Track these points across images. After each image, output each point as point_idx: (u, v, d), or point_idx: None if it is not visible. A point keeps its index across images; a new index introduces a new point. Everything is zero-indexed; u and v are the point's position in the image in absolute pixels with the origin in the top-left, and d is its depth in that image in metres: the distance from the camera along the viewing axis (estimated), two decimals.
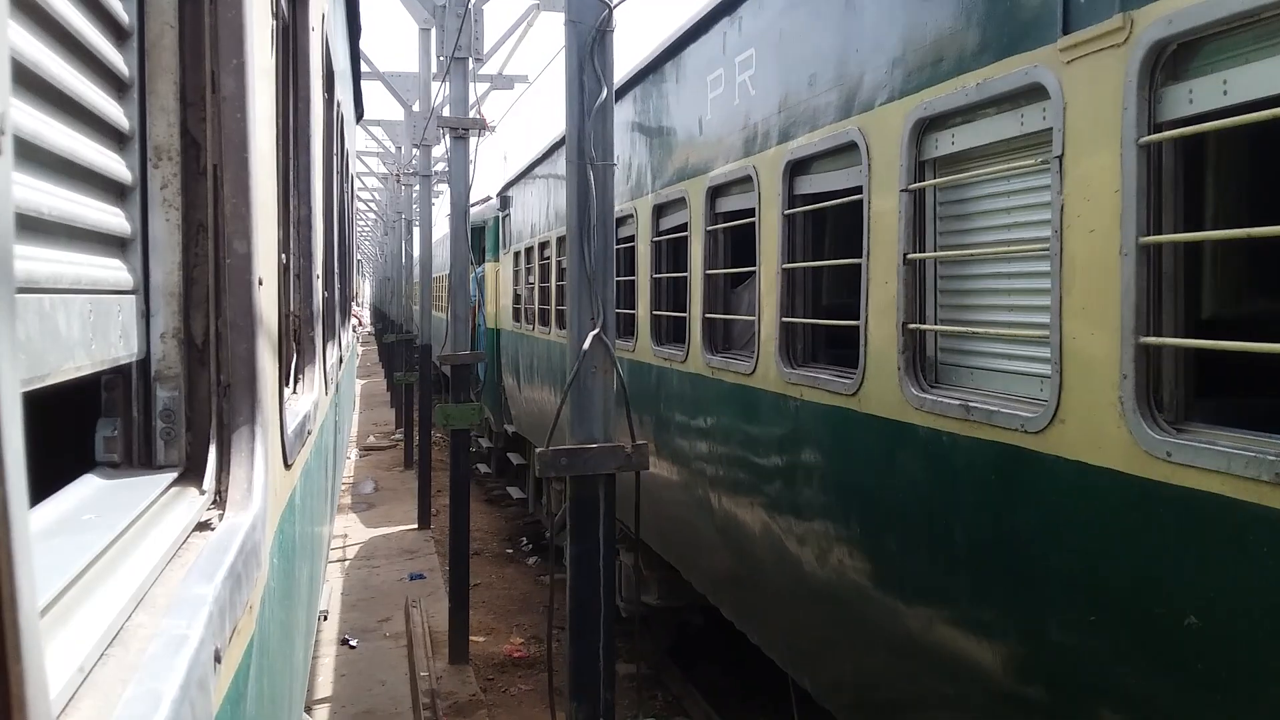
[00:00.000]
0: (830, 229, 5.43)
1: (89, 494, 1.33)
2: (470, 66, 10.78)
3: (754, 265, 5.41)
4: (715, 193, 5.97)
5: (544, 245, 11.76)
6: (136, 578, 1.14)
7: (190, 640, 1.06)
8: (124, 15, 1.39)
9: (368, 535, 15.22)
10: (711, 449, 6.18)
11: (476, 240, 17.40)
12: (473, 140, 10.34)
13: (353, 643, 10.28)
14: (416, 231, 24.85)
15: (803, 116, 4.79)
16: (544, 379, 11.76)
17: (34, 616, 0.59)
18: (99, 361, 1.26)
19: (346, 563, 13.76)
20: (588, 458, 4.44)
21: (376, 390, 36.79)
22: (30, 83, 1.00)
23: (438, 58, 10.98)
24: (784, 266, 4.95)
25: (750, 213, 5.35)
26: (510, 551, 14.31)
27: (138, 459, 1.51)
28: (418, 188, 20.67)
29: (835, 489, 4.58)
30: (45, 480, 1.24)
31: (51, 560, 1.03)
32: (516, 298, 14.13)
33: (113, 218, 1.37)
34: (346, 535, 15.07)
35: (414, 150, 19.09)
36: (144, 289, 1.49)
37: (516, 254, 14.13)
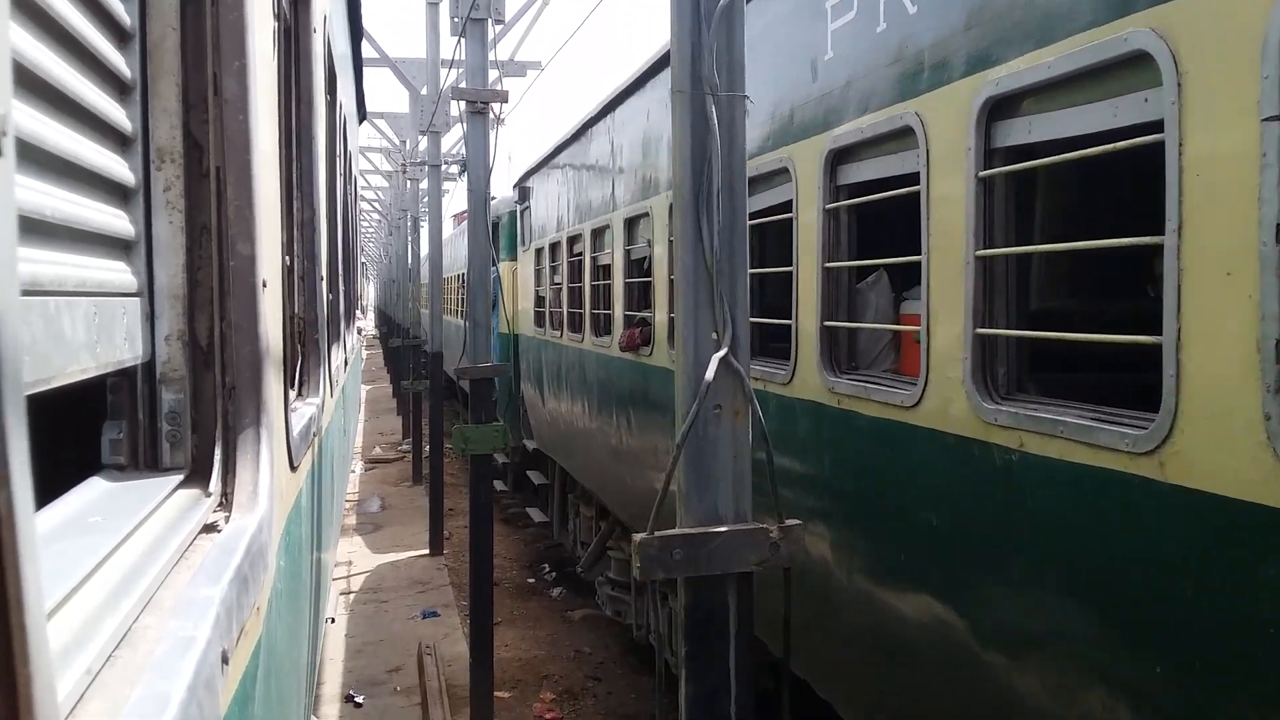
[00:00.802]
0: (1055, 200, 4.52)
1: (95, 496, 1.33)
2: (491, 31, 8.64)
3: (897, 254, 4.16)
4: (838, 158, 4.50)
5: (574, 240, 10.17)
6: (143, 580, 1.14)
7: (198, 642, 1.06)
8: (126, 17, 1.39)
9: (375, 562, 13.82)
10: (880, 525, 4.25)
11: (490, 238, 16.76)
12: (494, 116, 8.29)
13: (359, 699, 9.04)
14: (424, 229, 23.51)
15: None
16: (573, 392, 10.34)
17: (41, 618, 0.59)
18: (104, 364, 1.26)
19: (352, 596, 12.31)
20: (713, 549, 3.00)
21: (381, 397, 34.53)
22: (32, 84, 1.00)
23: (452, 18, 9.04)
24: (978, 254, 3.39)
25: (906, 181, 3.93)
26: (532, 581, 12.88)
27: (144, 461, 1.51)
28: (425, 182, 19.19)
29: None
30: (52, 483, 1.24)
31: (58, 562, 1.03)
32: (539, 300, 12.43)
33: (116, 220, 1.37)
34: (351, 562, 13.68)
35: (421, 140, 17.66)
36: (148, 291, 1.50)
37: (539, 251, 12.47)
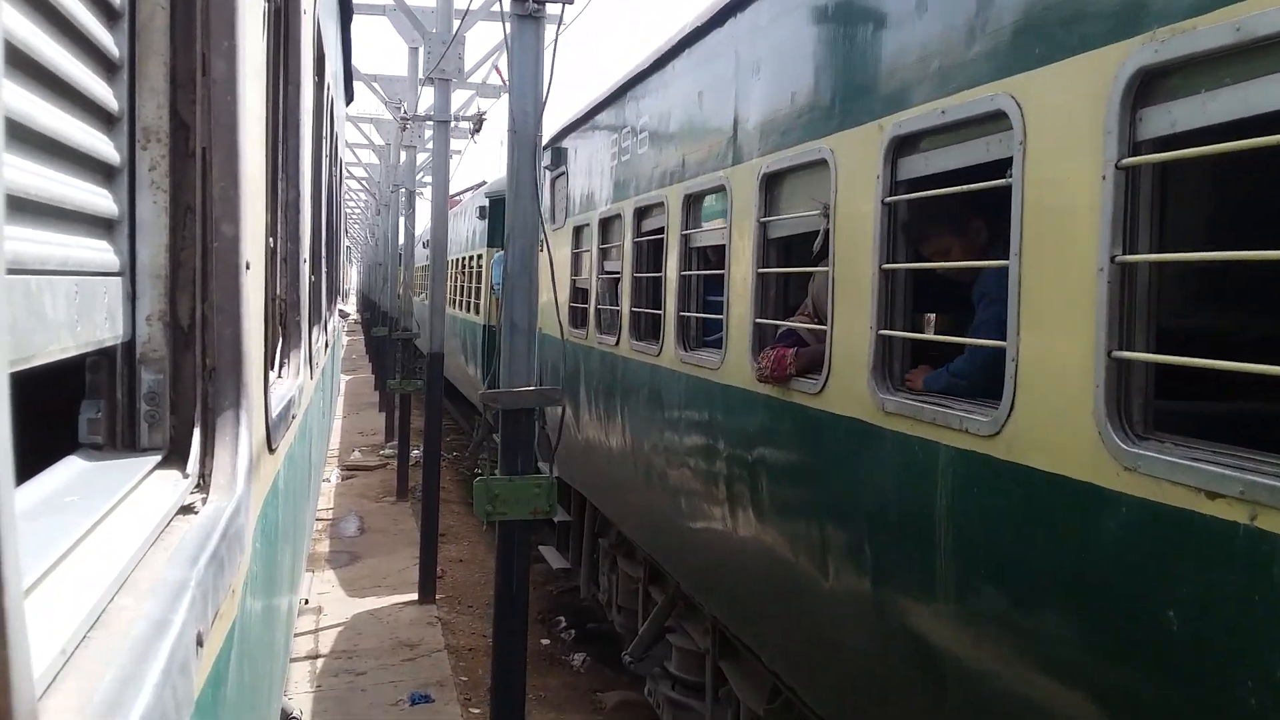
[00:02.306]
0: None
1: (72, 475, 1.33)
2: None
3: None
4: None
5: (645, 212, 7.22)
6: (119, 560, 1.14)
7: (173, 624, 1.06)
8: None
9: (350, 611, 10.77)
10: None
11: (498, 216, 13.44)
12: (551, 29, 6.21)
13: None
14: (421, 204, 21.02)
15: None
16: (630, 419, 7.42)
17: (18, 598, 0.59)
18: (84, 343, 1.26)
19: (319, 664, 9.25)
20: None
21: (362, 390, 30.21)
22: (19, 62, 0.99)
23: None
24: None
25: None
26: (546, 643, 9.96)
27: (121, 441, 1.50)
28: (427, 148, 16.52)
29: None
30: (28, 461, 1.24)
31: (34, 541, 1.03)
32: (577, 294, 9.56)
33: (100, 199, 1.36)
34: (321, 610, 10.69)
35: (420, 98, 15.31)
36: (130, 271, 1.49)
37: (579, 230, 9.48)
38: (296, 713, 7.84)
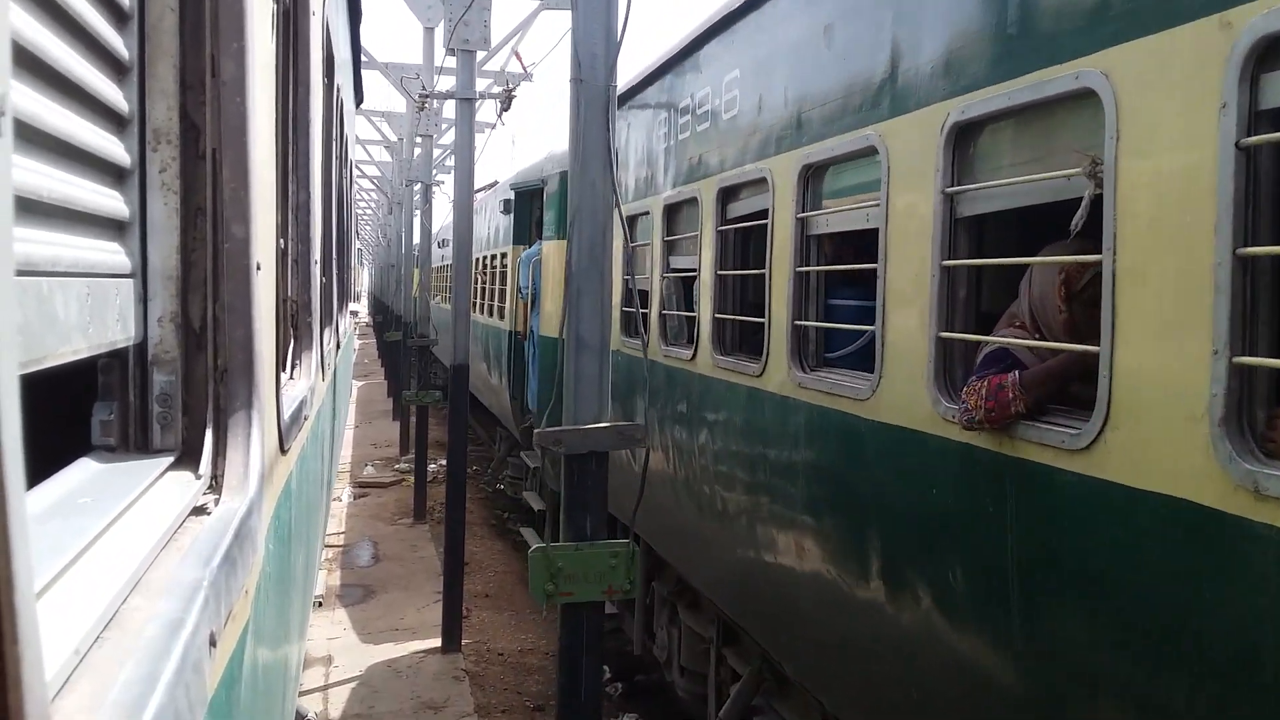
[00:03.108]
0: None
1: (85, 477, 1.33)
2: None
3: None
4: None
5: (734, 193, 5.69)
6: (132, 561, 1.14)
7: (186, 624, 1.06)
8: None
9: (364, 661, 9.21)
10: None
11: (525, 209, 12.88)
12: None
13: None
14: (440, 198, 20.07)
15: None
16: (721, 456, 5.87)
17: (31, 599, 0.59)
18: (96, 345, 1.26)
19: None
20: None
21: (375, 396, 28.22)
22: (30, 65, 1.00)
23: None
24: None
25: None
26: None
27: (134, 443, 1.51)
28: (441, 145, 16.29)
29: None
30: (41, 463, 1.24)
31: (47, 543, 1.03)
32: (628, 296, 7.83)
33: (111, 201, 1.36)
34: (331, 661, 9.22)
35: (433, 89, 13.28)
36: (142, 273, 1.49)
37: (631, 221, 7.87)
38: (311, 714, 7.86)
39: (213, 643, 1.18)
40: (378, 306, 45.47)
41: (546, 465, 10.30)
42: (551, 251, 10.54)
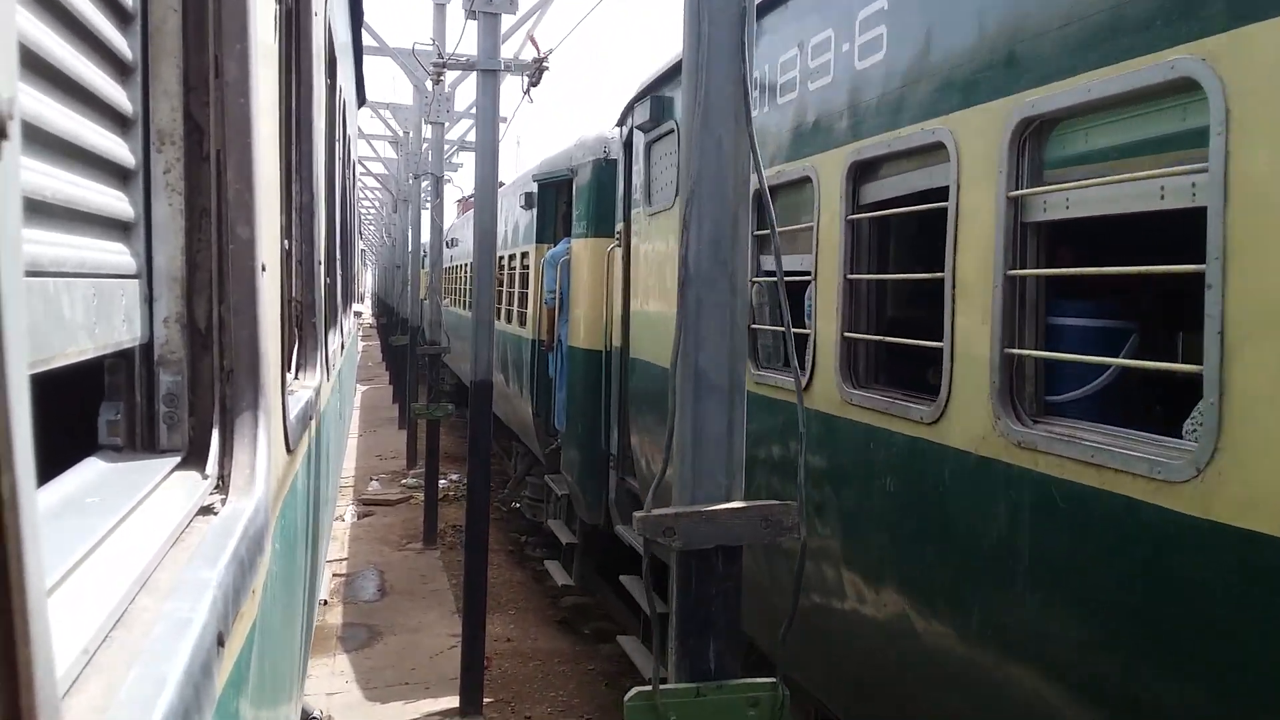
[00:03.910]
0: None
1: (92, 477, 1.34)
2: None
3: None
4: None
5: (875, 167, 4.23)
6: (140, 561, 1.14)
7: (194, 624, 1.07)
8: None
9: None
10: None
11: (549, 203, 11.75)
12: None
13: None
14: (446, 197, 18.92)
15: None
16: (869, 541, 4.19)
17: (41, 599, 0.59)
18: (102, 345, 1.26)
19: None
20: None
21: (379, 402, 26.34)
22: (35, 66, 1.00)
23: None
24: None
25: None
26: None
27: (141, 443, 1.51)
28: (448, 141, 15.37)
29: None
30: (48, 463, 1.25)
31: (55, 542, 1.04)
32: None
33: (116, 202, 1.37)
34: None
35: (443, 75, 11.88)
36: (147, 273, 1.50)
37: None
38: (317, 713, 7.86)
39: (221, 642, 1.19)
40: (382, 308, 44.01)
41: (578, 493, 9.28)
42: (583, 251, 9.50)
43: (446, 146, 18.31)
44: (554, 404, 10.60)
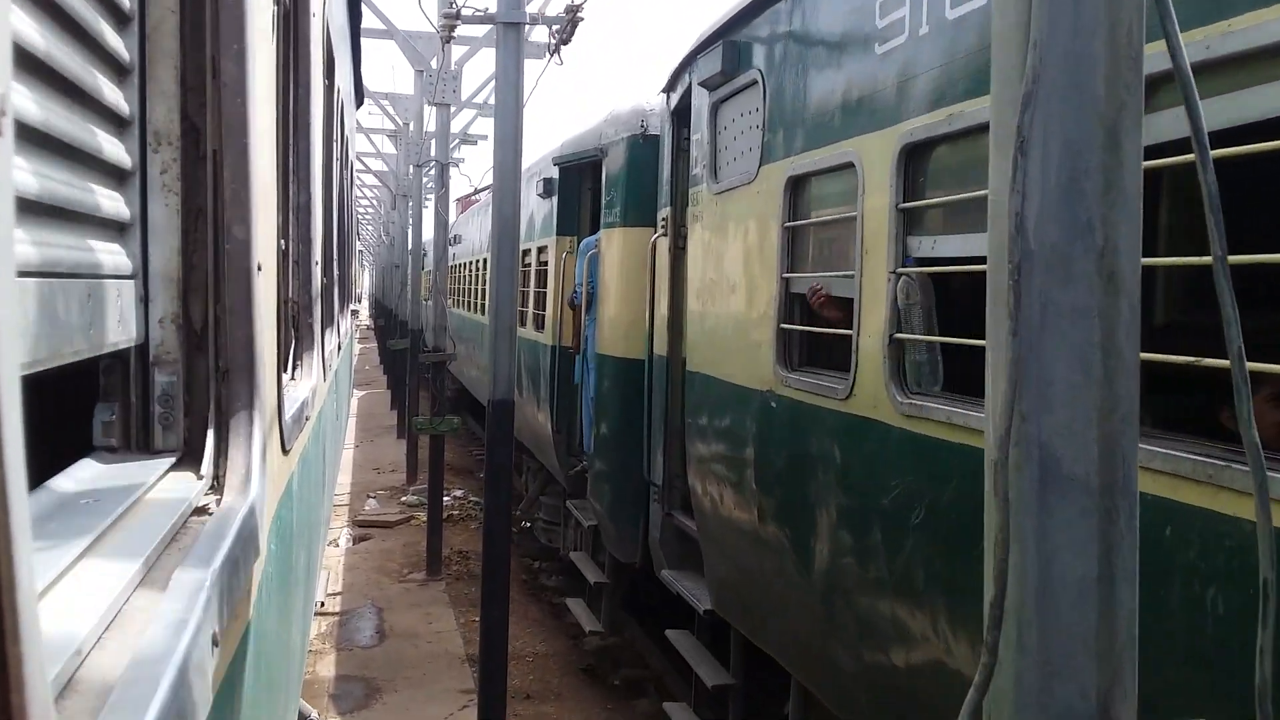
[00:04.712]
0: None
1: (87, 478, 1.34)
2: None
3: None
4: None
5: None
6: (134, 561, 1.14)
7: (188, 624, 1.07)
8: (126, 0, 1.39)
9: None
10: None
11: (573, 190, 10.19)
12: None
13: None
14: (457, 186, 17.79)
15: None
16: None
17: (33, 600, 0.59)
18: (97, 346, 1.26)
19: None
20: None
21: (377, 409, 24.65)
22: (30, 65, 1.00)
23: None
24: None
25: None
26: None
27: (136, 443, 1.51)
28: (459, 114, 14.05)
29: None
30: (43, 464, 1.25)
31: (50, 543, 1.04)
32: (792, 304, 4.80)
33: (112, 202, 1.37)
34: None
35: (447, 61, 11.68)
36: (143, 274, 1.50)
37: (798, 186, 4.76)
38: (314, 715, 7.85)
39: (215, 643, 1.19)
40: (380, 310, 42.64)
41: (610, 527, 8.06)
42: (617, 243, 8.04)
43: (450, 137, 16.92)
44: (579, 419, 9.32)
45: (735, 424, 5.30)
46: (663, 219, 6.93)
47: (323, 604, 10.11)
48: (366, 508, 14.83)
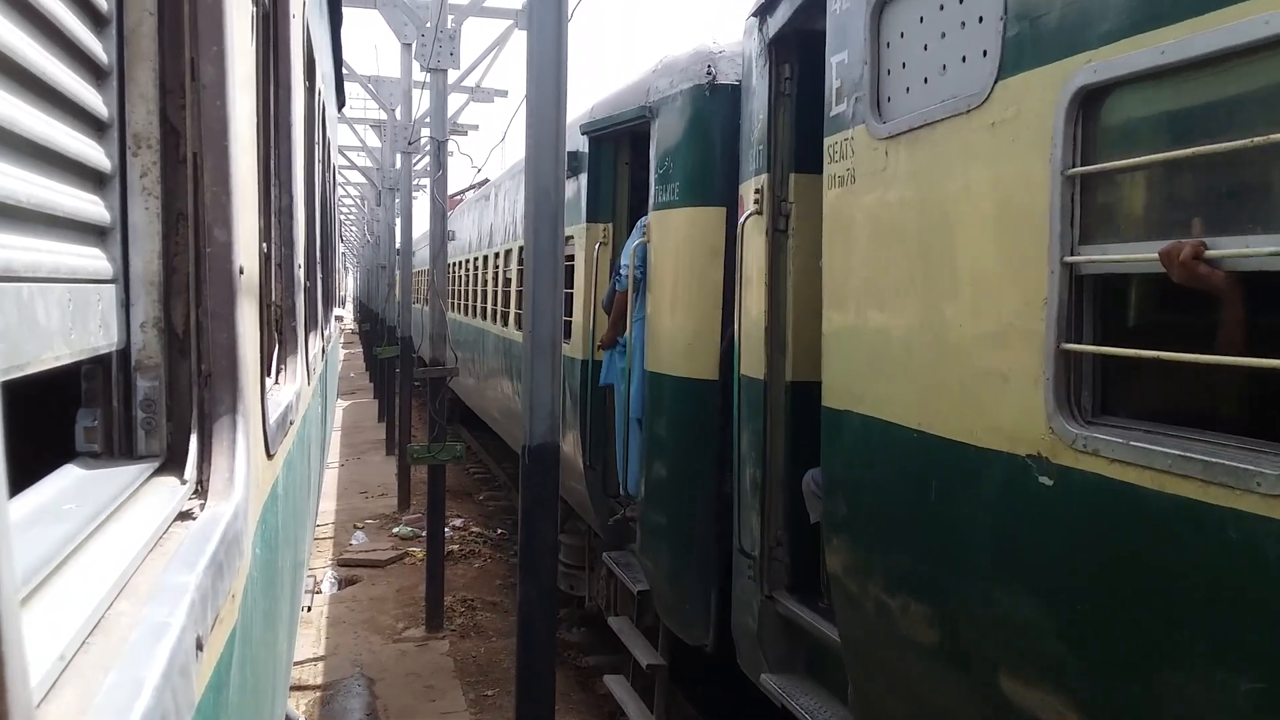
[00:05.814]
0: None
1: (69, 484, 1.33)
2: None
3: None
4: None
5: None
6: (118, 567, 1.14)
7: (172, 628, 1.06)
8: (103, 2, 1.38)
9: None
10: None
11: (606, 164, 7.85)
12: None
13: None
14: (458, 176, 16.43)
15: None
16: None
17: (15, 606, 0.59)
18: (78, 351, 1.26)
19: None
20: None
21: (363, 420, 22.49)
22: (7, 69, 0.99)
23: None
24: None
25: None
26: None
27: (118, 449, 1.50)
28: (458, 108, 12.98)
29: None
30: (25, 470, 1.24)
31: (32, 549, 1.03)
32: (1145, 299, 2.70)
33: (91, 206, 1.36)
34: None
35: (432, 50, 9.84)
36: (123, 278, 1.49)
37: (1104, 91, 2.47)
38: (301, 718, 7.80)
39: (199, 647, 1.18)
40: (365, 313, 39.75)
41: (669, 598, 6.18)
42: (677, 228, 6.09)
43: (448, 108, 13.62)
44: (620, 453, 7.19)
45: (941, 502, 3.23)
46: (756, 191, 5.02)
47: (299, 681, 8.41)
48: (354, 542, 12.61)
